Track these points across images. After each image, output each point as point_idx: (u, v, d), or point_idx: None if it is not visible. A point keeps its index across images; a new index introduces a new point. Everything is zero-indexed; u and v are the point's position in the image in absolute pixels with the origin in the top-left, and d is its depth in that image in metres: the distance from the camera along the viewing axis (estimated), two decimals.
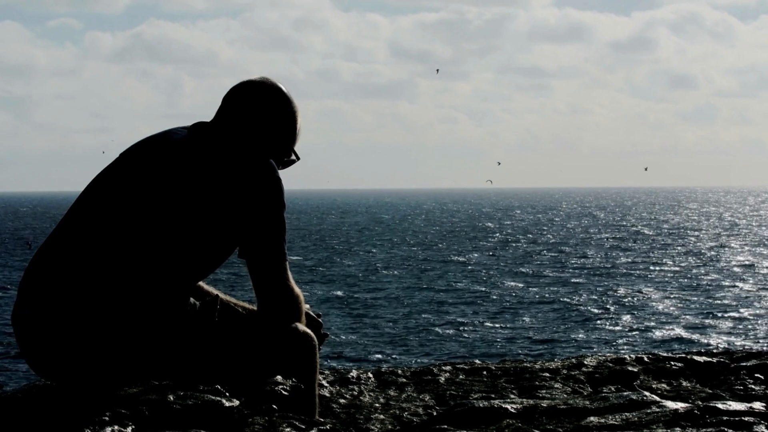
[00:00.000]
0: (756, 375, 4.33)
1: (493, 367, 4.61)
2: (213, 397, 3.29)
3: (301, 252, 52.28)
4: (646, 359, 4.69)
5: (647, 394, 3.48)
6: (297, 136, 3.70)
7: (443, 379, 4.44)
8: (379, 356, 22.38)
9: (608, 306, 31.27)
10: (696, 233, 69.45)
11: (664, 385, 4.29)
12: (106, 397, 3.27)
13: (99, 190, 3.54)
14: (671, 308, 30.81)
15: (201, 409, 3.23)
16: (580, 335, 25.81)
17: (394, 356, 22.43)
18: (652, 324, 27.60)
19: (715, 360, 4.60)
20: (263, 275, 3.50)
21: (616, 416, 3.26)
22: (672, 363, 4.57)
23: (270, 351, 3.53)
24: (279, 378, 3.53)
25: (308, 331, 3.60)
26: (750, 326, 27.23)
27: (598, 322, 27.99)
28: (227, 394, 3.36)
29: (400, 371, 4.55)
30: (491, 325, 27.47)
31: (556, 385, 4.28)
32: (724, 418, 3.16)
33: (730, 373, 4.40)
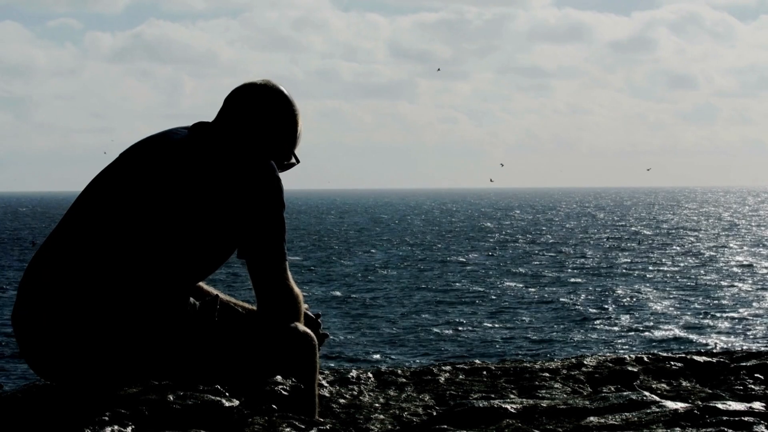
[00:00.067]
0: (756, 375, 4.34)
1: (493, 367, 4.61)
2: (213, 397, 3.29)
3: (301, 252, 52.27)
4: (645, 359, 4.69)
5: (647, 394, 3.48)
6: (297, 139, 3.71)
7: (443, 379, 4.44)
8: (379, 356, 22.38)
9: (608, 306, 31.28)
10: (695, 233, 69.47)
11: (664, 385, 4.30)
12: (106, 397, 3.27)
13: (99, 190, 3.54)
14: (671, 308, 30.82)
15: (201, 409, 3.23)
16: (580, 335, 25.81)
17: (393, 356, 22.43)
18: (652, 324, 27.60)
19: (715, 360, 4.60)
20: (263, 275, 3.50)
21: (616, 416, 3.26)
22: (672, 363, 4.57)
23: (270, 351, 3.53)
24: (279, 378, 3.53)
25: (308, 331, 3.60)
26: (750, 326, 27.24)
27: (598, 322, 27.99)
28: (227, 394, 3.36)
29: (399, 371, 4.56)
30: (491, 325, 27.47)
31: (556, 385, 4.28)
32: (724, 418, 3.16)
33: (730, 373, 4.40)
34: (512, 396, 4.15)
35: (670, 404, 3.34)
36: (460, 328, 26.76)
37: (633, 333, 26.20)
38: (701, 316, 29.06)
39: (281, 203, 3.52)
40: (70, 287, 3.36)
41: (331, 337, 23.61)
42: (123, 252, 3.40)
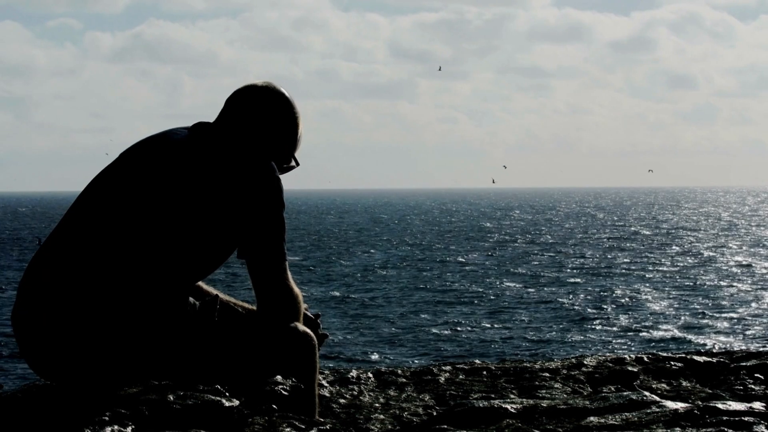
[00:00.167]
0: (756, 375, 4.34)
1: (493, 367, 4.61)
2: (213, 397, 3.29)
3: (300, 252, 52.27)
4: (645, 359, 4.69)
5: (647, 394, 3.48)
6: (298, 142, 3.72)
7: (443, 379, 4.44)
8: (379, 356, 22.38)
9: (608, 306, 31.28)
10: (695, 233, 69.48)
11: (664, 385, 4.29)
12: (106, 397, 3.27)
13: (99, 190, 3.54)
14: (670, 308, 30.82)
15: (201, 409, 3.23)
16: (580, 335, 25.81)
17: (393, 356, 22.43)
18: (652, 324, 27.60)
19: (715, 360, 4.60)
20: (263, 275, 3.50)
21: (616, 416, 3.26)
22: (672, 363, 4.57)
23: (270, 351, 3.54)
24: (279, 378, 3.53)
25: (308, 330, 3.60)
26: (749, 326, 27.24)
27: (598, 322, 27.99)
28: (227, 394, 3.36)
29: (400, 371, 4.56)
30: (491, 325, 27.47)
31: (556, 385, 4.28)
32: (724, 418, 3.16)
33: (730, 373, 4.40)
34: (512, 396, 4.15)
35: (670, 404, 3.34)
36: (459, 328, 26.75)
37: (633, 333, 26.20)
38: (701, 316, 29.06)
39: (281, 203, 3.52)
40: (70, 287, 3.36)
41: (331, 337, 23.64)
42: (123, 252, 3.40)
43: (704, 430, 3.07)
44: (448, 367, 4.62)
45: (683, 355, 4.71)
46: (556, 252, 53.22)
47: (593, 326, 27.23)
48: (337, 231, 75.98)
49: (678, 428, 3.10)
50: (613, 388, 4.25)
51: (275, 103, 3.66)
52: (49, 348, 3.39)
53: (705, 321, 28.24)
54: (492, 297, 33.66)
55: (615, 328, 26.94)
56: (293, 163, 3.74)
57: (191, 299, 3.48)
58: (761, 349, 5.27)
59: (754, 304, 31.57)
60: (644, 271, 42.16)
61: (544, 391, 4.19)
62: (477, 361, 4.88)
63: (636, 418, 3.22)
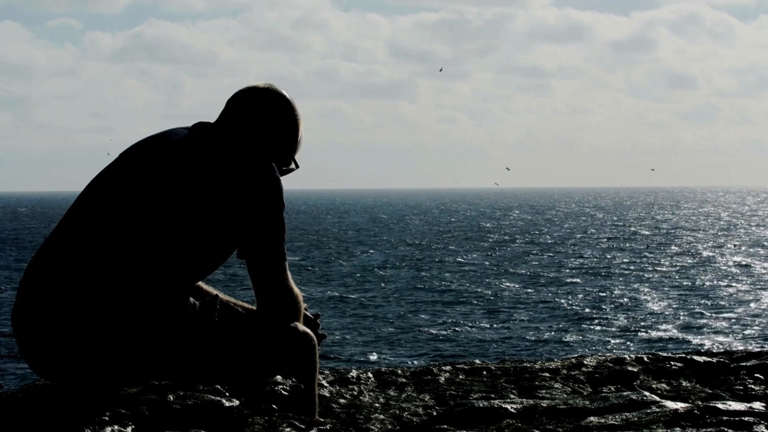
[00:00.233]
0: (756, 375, 4.34)
1: (493, 367, 4.61)
2: (213, 397, 3.29)
3: (299, 252, 52.27)
4: (645, 359, 4.69)
5: (647, 394, 3.48)
6: (298, 145, 3.72)
7: (443, 379, 4.44)
8: (379, 356, 22.38)
9: (608, 306, 31.28)
10: (694, 233, 69.49)
11: (664, 385, 4.30)
12: (106, 397, 3.27)
13: (99, 190, 3.54)
14: (670, 308, 30.82)
15: (201, 409, 3.23)
16: (580, 335, 25.81)
17: (393, 356, 22.43)
18: (652, 324, 27.61)
19: (715, 360, 4.60)
20: (262, 275, 3.50)
21: (616, 416, 3.26)
22: (672, 363, 4.57)
23: (270, 351, 3.54)
24: (279, 378, 3.53)
25: (308, 330, 3.60)
26: (749, 326, 27.24)
27: (598, 322, 27.99)
28: (227, 394, 3.36)
29: (400, 371, 4.55)
30: (491, 325, 27.47)
31: (556, 385, 4.28)
32: (724, 418, 3.16)
33: (730, 373, 4.40)
34: (512, 396, 4.15)
35: (670, 404, 3.35)
36: (459, 328, 26.75)
37: (633, 333, 26.20)
38: (700, 316, 29.06)
39: (281, 203, 3.52)
40: (70, 287, 3.36)
41: (330, 337, 23.64)
42: (123, 252, 3.40)
43: (704, 430, 3.07)
44: (448, 367, 4.62)
45: (683, 355, 4.71)
46: (556, 252, 53.23)
47: (593, 326, 27.24)
48: (337, 231, 75.99)
49: (678, 428, 3.10)
50: (613, 388, 4.25)
51: (276, 105, 3.66)
52: (49, 348, 3.39)
53: (705, 321, 28.25)
54: (492, 297, 33.66)
55: (615, 328, 26.94)
56: (293, 166, 3.74)
57: (191, 299, 3.48)
58: (761, 349, 5.27)
59: (753, 304, 31.58)
60: (644, 271, 42.17)
61: (544, 391, 4.19)
62: (477, 361, 4.88)
63: (636, 418, 3.22)
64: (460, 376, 4.49)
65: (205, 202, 3.44)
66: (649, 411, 3.28)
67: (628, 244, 58.39)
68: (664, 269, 43.16)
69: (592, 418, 3.26)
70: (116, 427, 3.07)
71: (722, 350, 5.08)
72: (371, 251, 54.72)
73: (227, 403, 3.27)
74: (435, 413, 3.75)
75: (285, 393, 3.48)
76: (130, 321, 3.36)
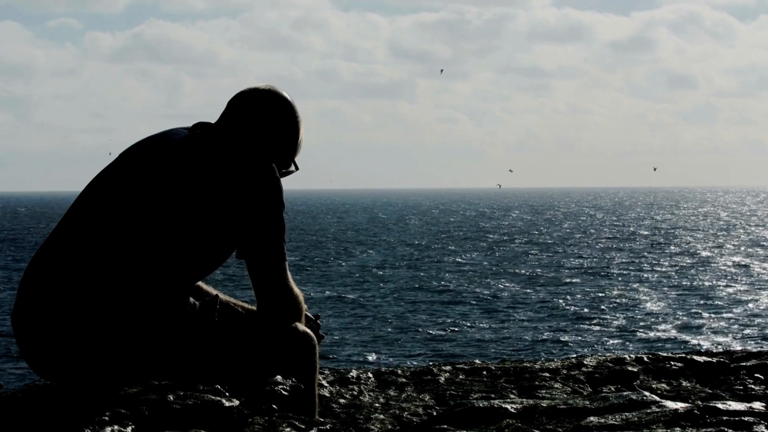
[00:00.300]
0: (756, 375, 4.34)
1: (493, 367, 4.61)
2: (213, 397, 3.29)
3: (298, 252, 52.27)
4: (645, 359, 4.69)
5: (647, 394, 3.48)
6: (298, 147, 3.72)
7: (443, 379, 4.44)
8: (379, 356, 22.38)
9: (607, 306, 31.28)
10: (694, 233, 69.49)
11: (664, 385, 4.30)
12: (106, 397, 3.27)
13: (99, 190, 3.54)
14: (670, 308, 30.82)
15: (201, 409, 3.23)
16: (580, 335, 25.81)
17: (393, 356, 22.43)
18: (652, 324, 27.61)
19: (715, 360, 4.60)
20: (262, 275, 3.50)
21: (616, 416, 3.26)
22: (672, 363, 4.57)
23: (270, 351, 3.54)
24: (279, 378, 3.53)
25: (308, 330, 3.60)
26: (749, 326, 27.25)
27: (597, 322, 27.99)
28: (227, 394, 3.36)
29: (400, 371, 4.56)
30: (490, 325, 27.47)
31: (556, 385, 4.28)
32: (724, 418, 3.16)
33: (730, 373, 4.40)
34: (512, 396, 4.15)
35: (670, 404, 3.35)
36: (459, 328, 26.75)
37: (632, 333, 26.20)
38: (700, 317, 29.06)
39: (281, 203, 3.52)
40: (69, 287, 3.36)
41: (329, 337, 23.64)
42: (123, 252, 3.40)
43: (704, 430, 3.07)
44: (448, 367, 4.62)
45: (683, 355, 4.71)
46: (556, 252, 53.23)
47: (593, 326, 27.24)
48: (336, 231, 75.99)
49: (678, 428, 3.10)
50: (613, 388, 4.25)
51: (277, 107, 3.66)
52: (49, 348, 3.39)
53: (704, 321, 28.25)
54: (491, 297, 33.66)
55: (614, 329, 26.94)
56: (293, 168, 3.74)
57: (191, 299, 3.48)
58: (761, 349, 5.27)
59: (752, 304, 31.58)
60: (643, 272, 42.18)
61: (544, 391, 4.19)
62: (477, 361, 4.88)
63: (636, 418, 3.22)
64: (460, 376, 4.49)
65: (205, 203, 3.44)
66: (649, 411, 3.28)
67: (627, 245, 58.40)
68: (664, 269, 43.16)
69: (592, 418, 3.26)
70: (116, 427, 3.07)
71: (722, 350, 5.08)
72: (371, 251, 54.72)
73: (227, 403, 3.27)
74: (435, 413, 3.75)
75: (285, 393, 3.48)
76: (129, 321, 3.36)
